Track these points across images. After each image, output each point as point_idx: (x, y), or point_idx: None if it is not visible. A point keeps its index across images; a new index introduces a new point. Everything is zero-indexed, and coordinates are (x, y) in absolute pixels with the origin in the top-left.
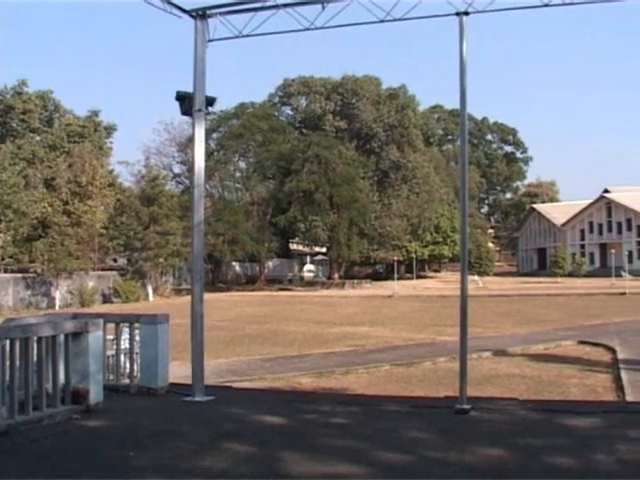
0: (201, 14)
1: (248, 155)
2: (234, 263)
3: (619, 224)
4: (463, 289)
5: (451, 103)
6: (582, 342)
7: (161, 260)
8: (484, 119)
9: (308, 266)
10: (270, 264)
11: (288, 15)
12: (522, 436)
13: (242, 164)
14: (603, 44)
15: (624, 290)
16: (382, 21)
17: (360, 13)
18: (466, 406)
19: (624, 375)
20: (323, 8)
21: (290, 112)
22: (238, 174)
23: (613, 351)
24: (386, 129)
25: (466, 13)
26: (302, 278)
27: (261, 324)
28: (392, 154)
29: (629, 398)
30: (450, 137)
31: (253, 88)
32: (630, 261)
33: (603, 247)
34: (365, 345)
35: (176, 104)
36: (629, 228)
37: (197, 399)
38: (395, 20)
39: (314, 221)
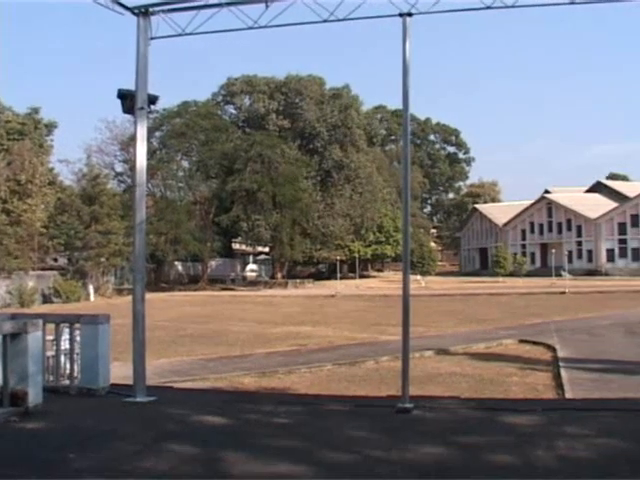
0: (143, 11)
1: (191, 154)
2: (176, 263)
3: (559, 224)
4: (405, 288)
5: (394, 103)
6: (523, 341)
7: (102, 260)
8: (427, 120)
9: (251, 266)
10: (213, 264)
11: (231, 14)
12: (463, 434)
13: (185, 163)
14: (544, 45)
15: (564, 289)
16: (325, 21)
17: (304, 13)
18: (408, 405)
19: (564, 373)
20: (267, 7)
21: (233, 111)
22: (181, 173)
23: (553, 349)
24: (329, 129)
25: (409, 14)
26: (245, 278)
27: (204, 324)
28: (335, 154)
29: (568, 395)
30: (393, 137)
31: (196, 87)
32: (570, 261)
33: (544, 247)
34: (308, 345)
35: (118, 102)
36: (569, 228)
37: (139, 400)
38: (339, 20)
39: (257, 220)
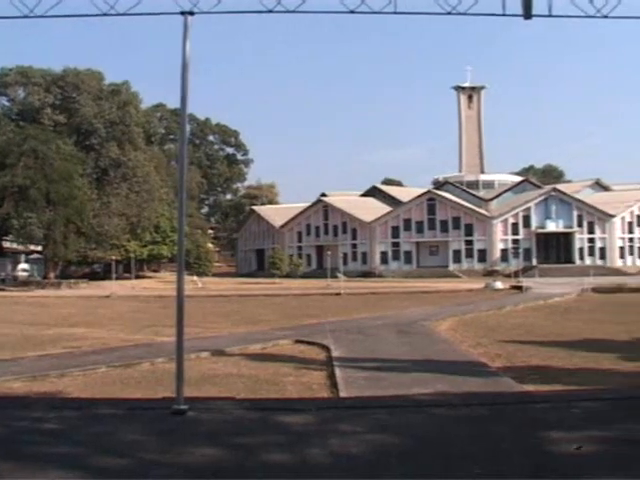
0: None
1: None
2: None
3: (335, 227)
4: (180, 289)
5: (174, 102)
6: (298, 341)
7: None
8: (207, 120)
9: (22, 265)
10: None
11: (5, 0)
12: (239, 435)
13: None
14: (333, 48)
15: (339, 291)
16: (105, 14)
17: (82, 4)
18: (183, 407)
19: (338, 372)
20: None
21: (6, 103)
22: None
23: (327, 349)
24: (107, 125)
25: (191, 13)
26: (16, 278)
27: None
28: (112, 151)
29: (342, 394)
30: (172, 136)
31: None
32: (345, 263)
33: (320, 249)
34: (82, 347)
35: None
36: (344, 231)
37: None
38: (118, 15)
39: (29, 218)
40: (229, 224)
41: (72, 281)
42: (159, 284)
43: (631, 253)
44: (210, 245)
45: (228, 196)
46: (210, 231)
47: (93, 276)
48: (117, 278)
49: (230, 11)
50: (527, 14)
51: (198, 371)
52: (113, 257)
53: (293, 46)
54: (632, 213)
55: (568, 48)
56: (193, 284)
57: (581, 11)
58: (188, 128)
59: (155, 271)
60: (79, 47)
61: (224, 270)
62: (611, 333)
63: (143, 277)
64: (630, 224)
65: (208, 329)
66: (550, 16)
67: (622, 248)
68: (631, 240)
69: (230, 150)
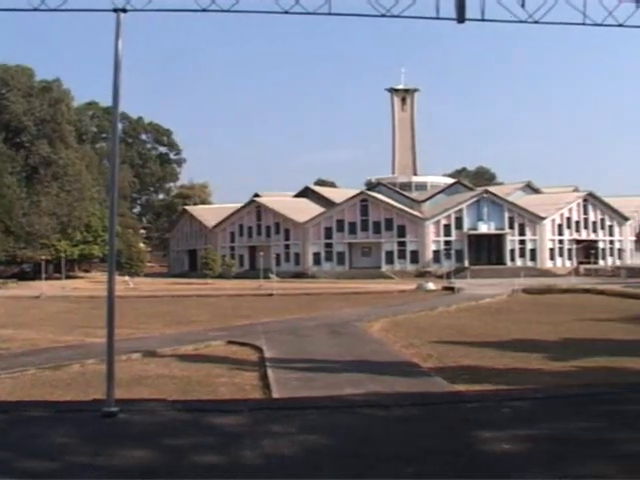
0: None
1: None
2: None
3: (268, 227)
4: (110, 289)
5: (107, 101)
6: (231, 342)
7: None
8: (140, 119)
9: None
10: None
11: None
12: (170, 436)
13: None
14: (267, 48)
15: (272, 291)
16: (36, 9)
17: None
18: (114, 409)
19: (270, 373)
20: None
21: None
22: None
23: (260, 350)
24: (37, 123)
25: (124, 10)
26: None
27: None
28: (43, 149)
29: (275, 395)
30: (104, 135)
31: None
32: (278, 263)
33: (252, 249)
34: (10, 348)
35: None
36: (277, 231)
37: None
38: (50, 10)
39: None
40: (161, 224)
41: (1, 281)
42: (90, 284)
43: (561, 255)
44: (142, 245)
45: (160, 196)
46: (142, 231)
47: (22, 276)
48: (47, 278)
49: (163, 9)
50: (460, 18)
51: (129, 372)
52: (43, 257)
53: (226, 45)
54: (562, 215)
55: (502, 50)
56: (125, 284)
57: (513, 16)
58: (120, 127)
59: (86, 271)
60: (9, 43)
61: (156, 270)
62: (540, 333)
63: (74, 277)
64: (560, 226)
65: (140, 330)
66: (483, 20)
67: (552, 250)
68: (561, 242)
69: (163, 149)
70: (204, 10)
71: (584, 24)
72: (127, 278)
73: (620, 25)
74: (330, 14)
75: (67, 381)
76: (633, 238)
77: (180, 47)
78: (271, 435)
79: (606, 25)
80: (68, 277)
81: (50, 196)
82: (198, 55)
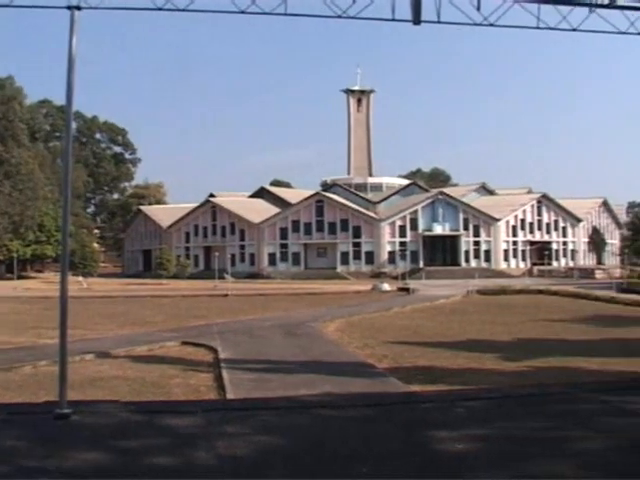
0: None
1: None
2: None
3: (223, 228)
4: (63, 289)
5: (60, 99)
6: (186, 343)
7: None
8: (94, 118)
9: None
10: None
11: None
12: (124, 438)
13: None
14: (221, 48)
15: (227, 292)
16: None
17: None
18: (67, 410)
19: (225, 374)
20: None
21: None
22: None
23: (215, 351)
24: None
25: (78, 7)
26: None
27: None
28: None
29: (229, 396)
30: (58, 134)
31: None
32: (233, 264)
33: (207, 250)
34: None
35: None
36: (233, 232)
37: None
38: (3, 6)
39: None
40: (116, 224)
41: None
42: (43, 285)
43: (515, 256)
44: (96, 245)
45: (115, 195)
46: (96, 231)
47: None
48: None
49: (118, 7)
50: (416, 20)
51: (82, 374)
52: None
53: (182, 44)
54: (516, 217)
55: (454, 51)
56: (78, 285)
57: (469, 19)
58: (74, 125)
59: (39, 271)
60: None
61: (110, 270)
62: (494, 334)
63: (26, 278)
64: (514, 228)
65: (93, 331)
66: (439, 22)
67: (506, 251)
68: (515, 243)
69: (118, 149)
70: (159, 9)
71: (538, 28)
72: (81, 278)
73: (574, 29)
74: (286, 14)
75: (19, 383)
76: (586, 239)
77: (134, 45)
78: (225, 436)
79: (560, 29)
80: (20, 277)
81: (2, 195)
82: (152, 53)
